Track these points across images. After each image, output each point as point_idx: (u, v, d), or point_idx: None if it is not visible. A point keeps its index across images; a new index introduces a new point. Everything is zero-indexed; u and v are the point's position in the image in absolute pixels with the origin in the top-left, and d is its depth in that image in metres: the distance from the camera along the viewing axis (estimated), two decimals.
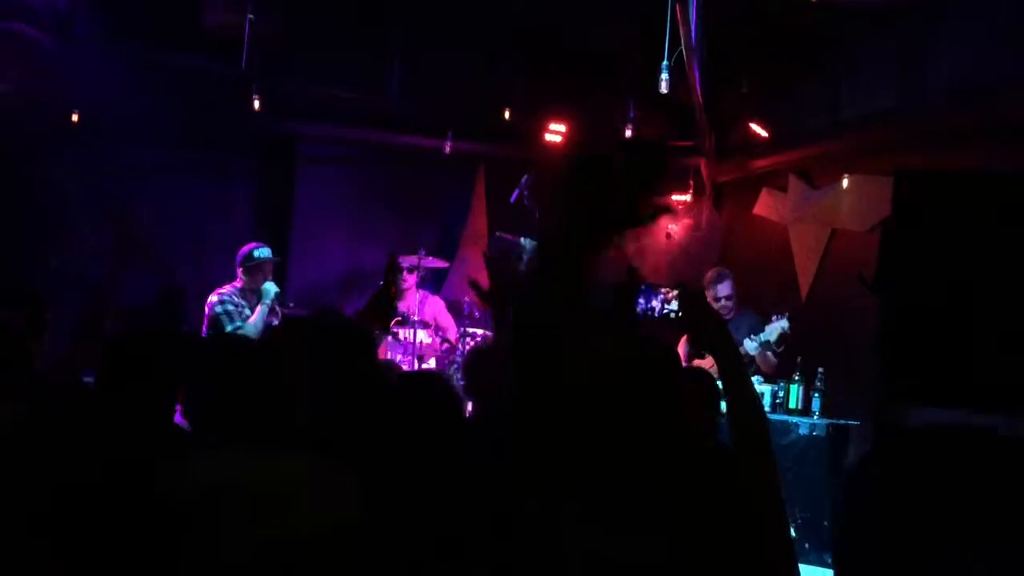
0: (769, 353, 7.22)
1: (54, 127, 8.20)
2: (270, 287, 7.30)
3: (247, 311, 7.20)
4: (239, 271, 7.32)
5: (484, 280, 3.37)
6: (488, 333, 8.15)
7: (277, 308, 7.29)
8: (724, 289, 7.52)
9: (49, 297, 7.58)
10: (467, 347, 8.15)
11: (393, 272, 3.53)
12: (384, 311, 3.74)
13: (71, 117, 8.21)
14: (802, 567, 2.97)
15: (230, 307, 7.18)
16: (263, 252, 7.37)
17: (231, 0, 7.56)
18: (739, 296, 7.62)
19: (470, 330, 8.24)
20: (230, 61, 7.83)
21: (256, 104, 8.22)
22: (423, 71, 8.84)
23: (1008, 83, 6.11)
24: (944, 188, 3.46)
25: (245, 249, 7.39)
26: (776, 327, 7.12)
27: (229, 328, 7.02)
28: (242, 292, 7.27)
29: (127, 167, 8.55)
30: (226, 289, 7.27)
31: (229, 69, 7.95)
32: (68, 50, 7.88)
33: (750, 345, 7.19)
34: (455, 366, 8.12)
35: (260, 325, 7.10)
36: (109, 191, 8.56)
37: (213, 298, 7.20)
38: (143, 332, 3.20)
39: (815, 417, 6.87)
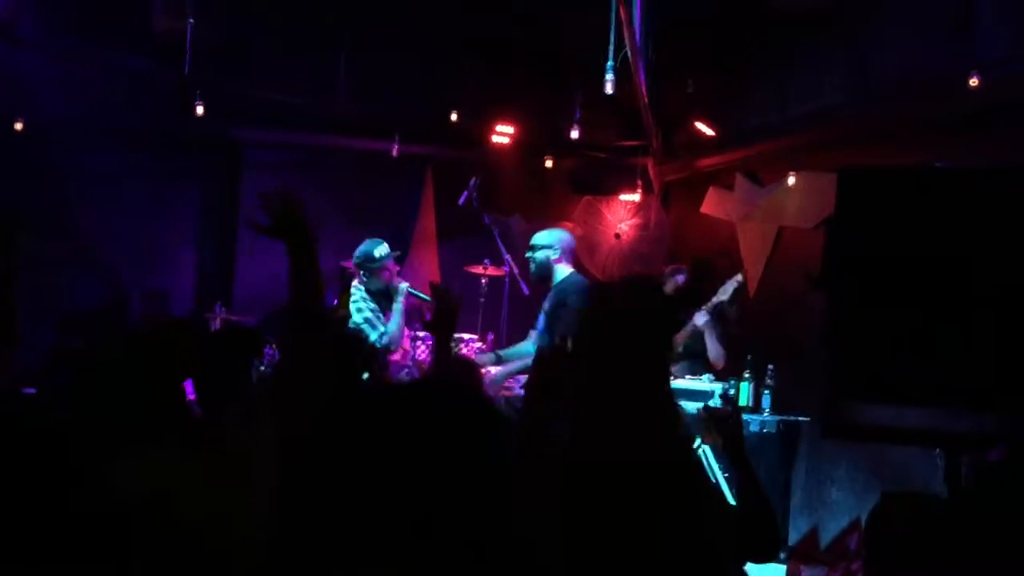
0: (718, 334, 7.14)
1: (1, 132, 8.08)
2: (403, 286, 6.81)
3: (380, 314, 6.76)
4: (359, 274, 6.83)
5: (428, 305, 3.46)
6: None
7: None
8: (679, 282, 7.55)
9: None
10: (418, 351, 8.11)
11: (347, 291, 3.53)
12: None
13: (13, 124, 8.09)
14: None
15: (368, 314, 6.71)
16: (383, 250, 6.85)
17: (173, 4, 7.46)
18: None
19: (420, 334, 8.20)
20: (175, 66, 7.74)
21: (199, 110, 8.13)
22: (369, 74, 8.79)
23: (950, 77, 6.18)
24: (887, 184, 3.50)
25: (363, 249, 6.89)
26: (729, 285, 7.05)
27: (374, 337, 6.57)
28: (368, 295, 6.77)
29: (71, 171, 8.43)
30: (359, 295, 6.76)
31: (174, 74, 7.86)
32: (11, 53, 7.76)
33: (700, 317, 7.07)
34: (406, 370, 8.08)
35: (399, 328, 6.71)
36: (52, 195, 8.43)
37: (353, 307, 6.66)
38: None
39: (766, 414, 6.91)
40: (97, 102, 8.05)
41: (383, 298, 6.78)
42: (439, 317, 3.39)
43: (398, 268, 6.94)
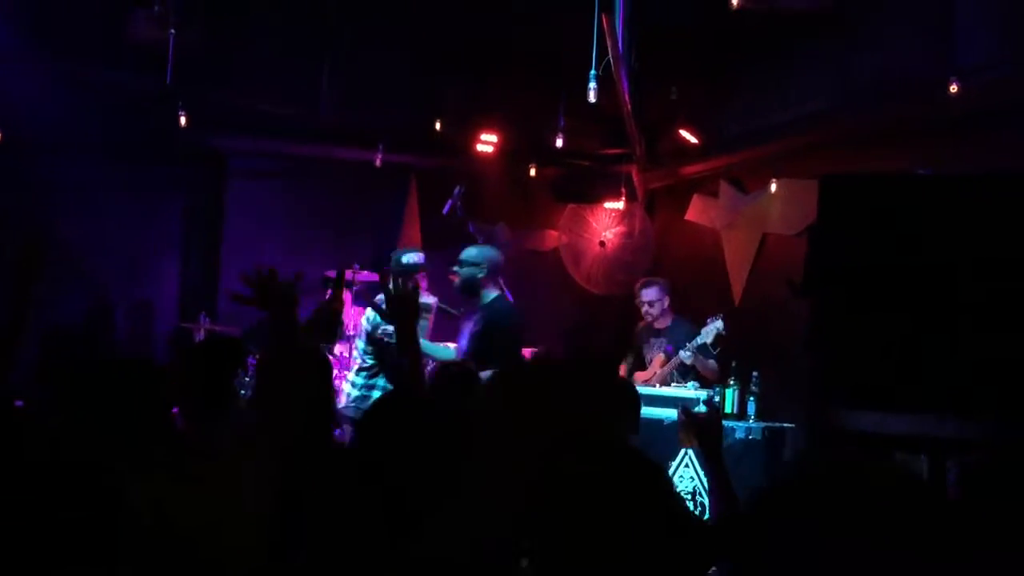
0: (708, 359, 7.29)
1: None
2: (431, 301, 6.76)
3: None
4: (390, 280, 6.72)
5: None
6: None
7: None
8: (648, 294, 7.62)
9: None
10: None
11: (340, 287, 3.53)
12: (329, 324, 3.75)
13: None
14: None
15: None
16: (412, 258, 6.80)
17: (154, 15, 7.43)
18: (674, 305, 7.69)
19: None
20: (156, 76, 7.71)
21: (182, 120, 8.11)
22: (353, 83, 8.78)
23: (931, 83, 6.21)
24: (868, 191, 3.51)
25: (397, 256, 6.85)
26: (711, 328, 7.22)
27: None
28: None
29: (54, 183, 8.40)
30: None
31: (155, 84, 7.83)
32: None
33: (684, 355, 7.26)
34: None
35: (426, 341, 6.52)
36: (36, 207, 8.39)
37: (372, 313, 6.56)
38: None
39: (751, 421, 6.92)
40: (78, 115, 8.01)
41: None
42: (395, 304, 3.42)
43: (426, 283, 6.87)
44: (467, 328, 6.21)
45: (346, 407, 6.65)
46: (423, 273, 6.85)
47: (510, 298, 6.36)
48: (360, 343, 6.82)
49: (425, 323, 6.67)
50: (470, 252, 6.24)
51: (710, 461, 3.24)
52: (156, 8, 7.41)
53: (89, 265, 8.64)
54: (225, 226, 9.45)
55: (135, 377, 2.60)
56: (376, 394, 6.62)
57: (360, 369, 6.77)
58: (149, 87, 8.01)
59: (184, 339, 8.20)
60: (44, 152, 8.26)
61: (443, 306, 6.82)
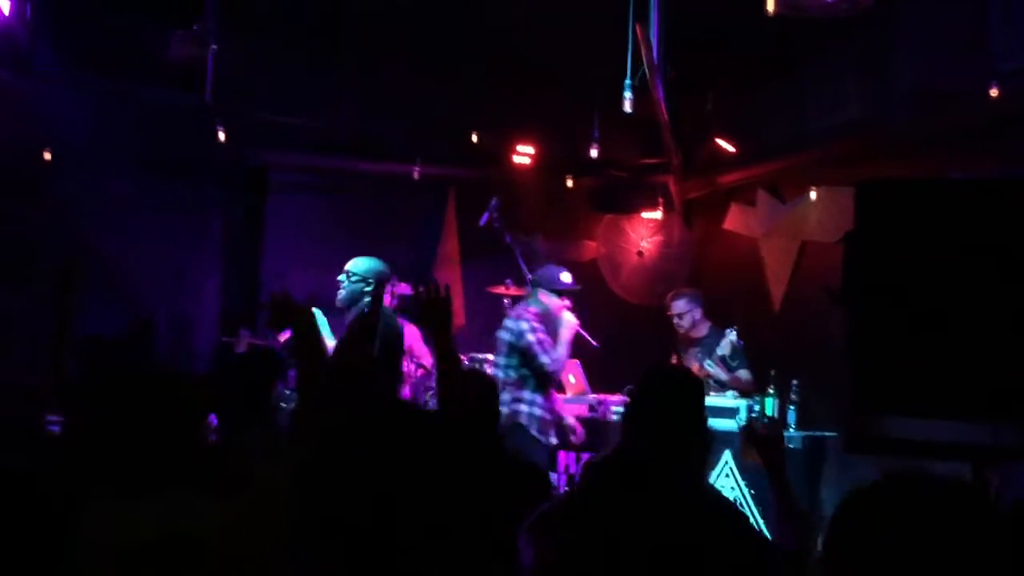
0: (738, 371, 7.27)
1: (22, 165, 8.17)
2: (569, 317, 6.78)
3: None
4: (539, 294, 6.79)
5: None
6: (463, 358, 8.13)
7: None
8: (676, 307, 7.62)
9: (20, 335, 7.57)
10: None
11: (379, 301, 3.57)
12: (368, 336, 3.79)
13: (42, 155, 8.18)
14: None
15: (541, 335, 6.64)
16: (569, 277, 6.86)
17: (193, 32, 7.52)
18: (712, 314, 7.67)
19: None
20: (195, 93, 7.80)
21: (221, 136, 8.19)
22: (390, 97, 8.84)
23: (967, 89, 6.16)
24: (904, 197, 3.49)
25: (551, 272, 6.89)
26: (724, 341, 7.22)
27: (544, 360, 6.53)
28: (541, 319, 6.69)
29: (97, 200, 8.51)
30: (531, 312, 6.71)
31: (194, 101, 7.92)
32: (30, 86, 7.85)
33: (711, 369, 7.24)
34: (431, 392, 8.08)
35: (565, 356, 6.67)
36: (78, 226, 8.51)
37: (526, 325, 6.60)
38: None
39: (791, 430, 6.88)
40: (120, 133, 8.13)
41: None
42: (429, 309, 3.40)
43: (570, 304, 6.88)
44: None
45: None
46: (567, 297, 6.85)
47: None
48: (501, 358, 6.73)
49: (565, 337, 6.69)
50: (357, 265, 6.16)
51: (775, 478, 3.20)
52: (195, 27, 7.50)
53: (131, 280, 8.75)
54: (265, 240, 9.53)
55: (165, 388, 2.61)
56: (523, 408, 6.61)
57: (504, 384, 6.53)
58: (189, 105, 8.10)
59: (226, 353, 8.27)
60: (86, 170, 8.37)
61: (583, 333, 6.84)
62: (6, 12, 7.34)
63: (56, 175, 8.34)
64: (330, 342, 6.19)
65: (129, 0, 7.38)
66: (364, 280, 6.09)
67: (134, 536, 2.23)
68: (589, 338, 6.92)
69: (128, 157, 8.51)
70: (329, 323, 6.45)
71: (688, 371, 4.56)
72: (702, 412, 3.14)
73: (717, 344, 7.37)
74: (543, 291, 6.83)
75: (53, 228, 8.44)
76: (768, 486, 3.24)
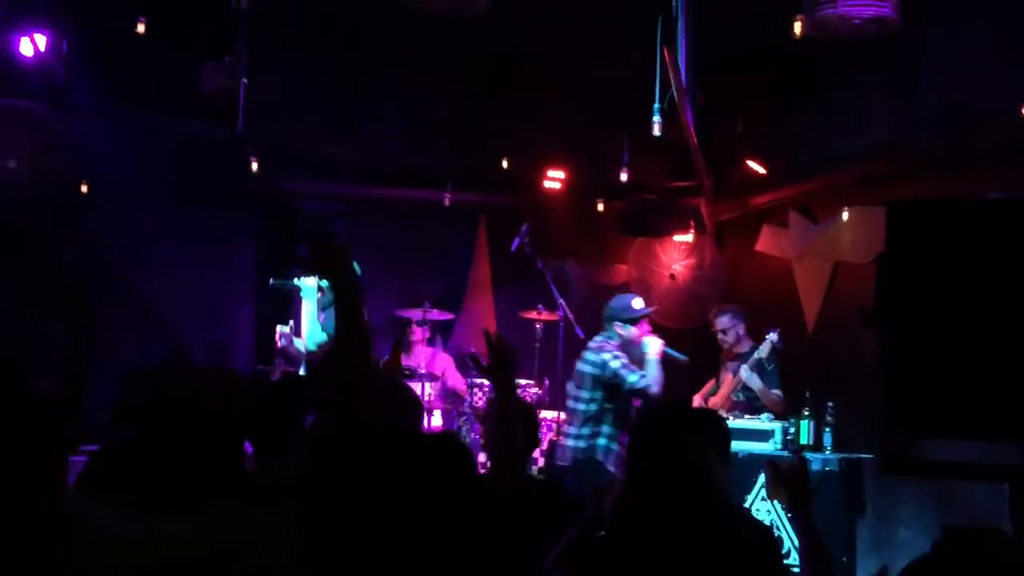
0: (771, 389, 7.22)
1: (58, 197, 8.28)
2: (657, 342, 6.67)
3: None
4: (614, 326, 6.70)
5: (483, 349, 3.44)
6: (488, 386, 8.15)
7: None
8: (721, 322, 7.61)
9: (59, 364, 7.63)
10: (475, 399, 8.13)
11: (399, 345, 3.55)
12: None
13: (79, 187, 8.29)
14: None
15: (625, 360, 6.56)
16: (641, 303, 6.85)
17: (225, 64, 7.61)
18: (750, 333, 7.65)
19: (477, 381, 8.23)
20: (227, 123, 7.88)
21: (254, 166, 8.28)
22: (419, 124, 8.90)
23: (1000, 106, 6.13)
24: (937, 216, 3.46)
25: (622, 301, 6.82)
26: (766, 342, 7.20)
27: (634, 379, 6.44)
28: (622, 349, 6.64)
29: (129, 232, 8.60)
30: (612, 345, 6.64)
31: (226, 132, 8.00)
32: (67, 120, 7.98)
33: (745, 373, 7.22)
34: (464, 417, 8.10)
35: (657, 373, 6.55)
36: (113, 257, 8.60)
37: (608, 354, 6.55)
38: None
39: (827, 452, 6.82)
40: (152, 164, 8.23)
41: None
42: (497, 363, 3.37)
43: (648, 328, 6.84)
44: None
45: (564, 460, 6.58)
46: (644, 322, 6.77)
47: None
48: (583, 392, 6.61)
49: (653, 358, 6.58)
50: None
51: (799, 518, 3.16)
52: (226, 59, 7.60)
53: (166, 310, 8.83)
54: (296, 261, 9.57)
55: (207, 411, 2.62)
56: (601, 442, 6.57)
57: (585, 418, 6.57)
58: (221, 135, 8.19)
59: (260, 381, 8.31)
60: (121, 201, 8.48)
61: (669, 350, 6.73)
62: (42, 47, 7.47)
63: (91, 206, 8.45)
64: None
65: (161, 33, 7.46)
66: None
67: (177, 553, 2.24)
68: (677, 355, 6.85)
69: (162, 188, 8.61)
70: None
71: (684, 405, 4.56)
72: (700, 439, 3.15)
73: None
74: (618, 323, 6.71)
75: (89, 259, 8.54)
76: (794, 526, 3.23)
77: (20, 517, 2.15)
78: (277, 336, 6.44)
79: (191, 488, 2.40)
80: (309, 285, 6.29)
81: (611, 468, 6.57)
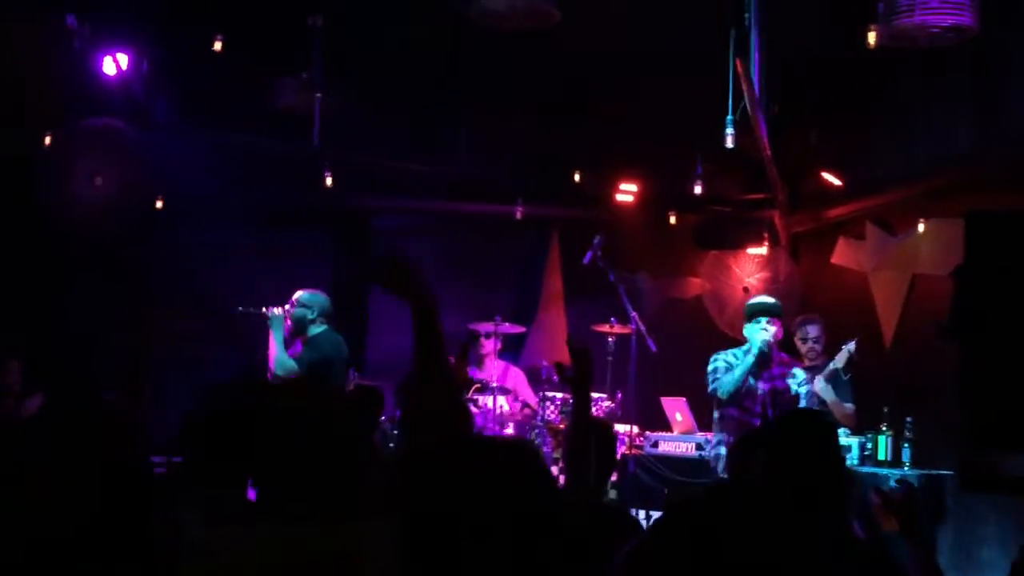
0: (845, 402, 7.11)
1: (139, 213, 8.45)
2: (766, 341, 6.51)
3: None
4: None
5: (565, 356, 3.43)
6: (568, 397, 8.13)
7: None
8: (813, 331, 7.51)
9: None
10: (547, 412, 8.12)
11: (465, 355, 3.53)
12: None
13: (155, 203, 8.46)
14: None
15: (729, 359, 6.58)
16: (768, 300, 6.74)
17: (301, 80, 7.73)
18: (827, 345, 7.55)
19: (550, 394, 8.22)
20: (302, 139, 7.99)
21: (329, 181, 8.38)
22: (491, 138, 8.93)
23: None
24: (1016, 228, 3.39)
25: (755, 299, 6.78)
26: (843, 352, 7.10)
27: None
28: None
29: (205, 248, 8.74)
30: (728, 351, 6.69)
31: (302, 147, 8.12)
32: (148, 138, 8.15)
33: (820, 384, 7.06)
34: (536, 431, 8.10)
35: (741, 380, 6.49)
36: (192, 273, 8.76)
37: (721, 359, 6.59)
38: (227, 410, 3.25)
39: (906, 468, 6.70)
40: (229, 180, 8.36)
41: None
42: (579, 374, 3.36)
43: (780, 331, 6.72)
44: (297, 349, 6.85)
45: None
46: (775, 319, 6.62)
47: (336, 333, 6.95)
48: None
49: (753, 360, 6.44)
50: (303, 296, 6.82)
51: (913, 543, 3.14)
52: (303, 75, 7.71)
53: (241, 327, 8.94)
54: (370, 283, 9.68)
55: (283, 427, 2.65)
56: (723, 450, 6.54)
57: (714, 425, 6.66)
58: (296, 151, 8.31)
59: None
60: (199, 218, 8.62)
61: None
62: (124, 66, 7.65)
63: (171, 223, 8.61)
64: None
65: (238, 51, 7.59)
66: (308, 308, 6.78)
67: (285, 559, 2.27)
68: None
69: (238, 204, 8.74)
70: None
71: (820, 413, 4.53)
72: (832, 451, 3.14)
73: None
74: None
75: (168, 275, 8.71)
76: (907, 548, 3.18)
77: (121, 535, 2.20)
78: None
79: (300, 500, 2.43)
80: (277, 315, 6.79)
81: (720, 473, 6.54)
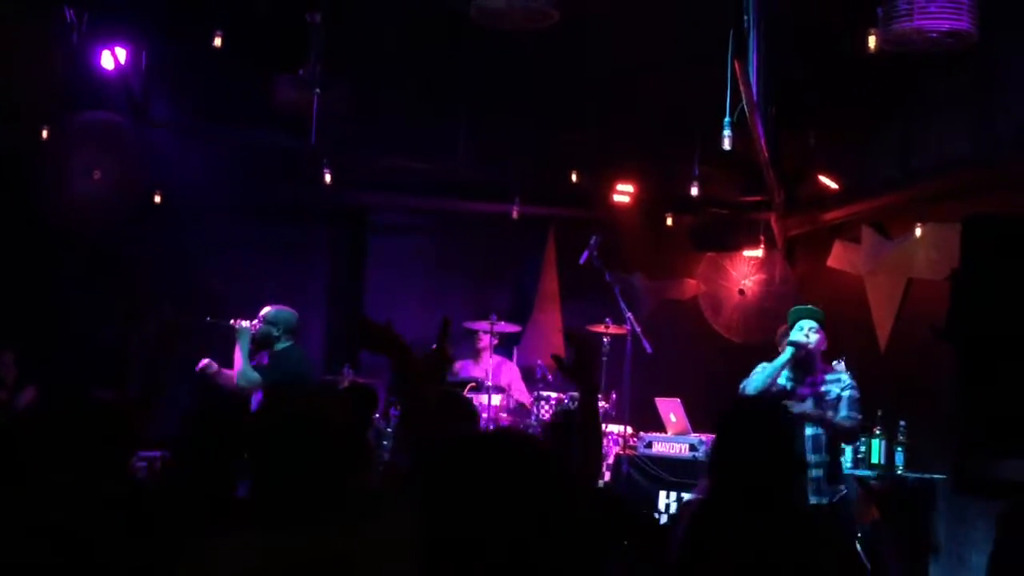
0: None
1: (136, 208, 8.45)
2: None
3: None
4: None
5: (560, 353, 3.44)
6: (563, 396, 8.14)
7: None
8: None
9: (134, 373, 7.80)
10: (541, 411, 8.13)
11: (445, 336, 3.49)
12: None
13: (153, 197, 8.45)
14: None
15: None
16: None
17: (299, 77, 7.73)
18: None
19: (544, 394, 8.22)
20: (300, 136, 7.99)
21: (327, 177, 8.38)
22: (489, 138, 8.93)
23: None
24: (1013, 233, 3.40)
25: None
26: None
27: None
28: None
29: (202, 243, 8.74)
30: None
31: (300, 144, 8.11)
32: (146, 132, 8.14)
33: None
34: (530, 430, 8.10)
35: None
36: (189, 268, 8.74)
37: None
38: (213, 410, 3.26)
39: (899, 472, 6.71)
40: (228, 176, 8.36)
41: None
42: (580, 364, 3.30)
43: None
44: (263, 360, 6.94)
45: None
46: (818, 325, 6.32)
47: (300, 347, 7.05)
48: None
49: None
50: (269, 313, 6.93)
51: (892, 532, 3.17)
52: (301, 72, 7.71)
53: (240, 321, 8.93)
54: (366, 280, 9.68)
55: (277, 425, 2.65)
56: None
57: None
58: (295, 148, 8.30)
59: (328, 391, 8.39)
60: (197, 213, 8.62)
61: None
62: (123, 61, 7.65)
63: (168, 218, 8.60)
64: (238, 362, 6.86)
65: (237, 47, 7.59)
66: (273, 324, 6.86)
67: (274, 565, 2.27)
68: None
69: (237, 200, 8.74)
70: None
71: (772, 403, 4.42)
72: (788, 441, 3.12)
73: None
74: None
75: (165, 270, 8.70)
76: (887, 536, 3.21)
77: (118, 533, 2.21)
78: (204, 363, 6.88)
79: (299, 503, 2.42)
80: (244, 327, 6.87)
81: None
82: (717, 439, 3.22)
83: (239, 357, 6.82)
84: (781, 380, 6.11)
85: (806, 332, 6.21)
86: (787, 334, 7.09)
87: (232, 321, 6.93)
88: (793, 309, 6.46)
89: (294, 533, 2.29)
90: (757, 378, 6.24)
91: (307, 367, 7.04)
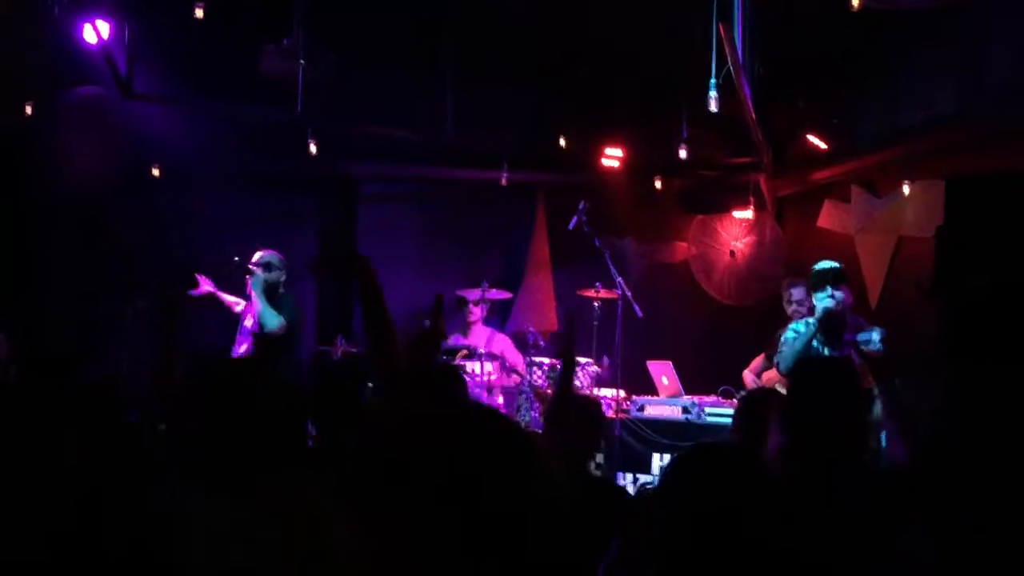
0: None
1: (124, 181, 8.43)
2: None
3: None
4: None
5: (552, 322, 3.51)
6: (555, 362, 8.16)
7: None
8: (797, 294, 7.34)
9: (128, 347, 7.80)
10: (534, 377, 8.15)
11: (440, 312, 3.51)
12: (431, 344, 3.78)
13: (144, 171, 8.43)
14: None
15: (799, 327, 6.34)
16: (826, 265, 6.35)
17: (284, 47, 7.68)
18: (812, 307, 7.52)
19: (536, 359, 8.25)
20: (287, 107, 7.96)
21: (312, 148, 8.35)
22: (477, 104, 8.89)
23: None
24: (996, 191, 3.42)
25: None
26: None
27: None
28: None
29: (191, 216, 8.71)
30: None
31: (286, 115, 8.08)
32: (131, 106, 8.11)
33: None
34: (524, 395, 8.13)
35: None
36: (178, 240, 8.73)
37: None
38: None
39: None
40: (214, 148, 8.33)
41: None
42: (568, 343, 3.41)
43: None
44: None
45: None
46: (841, 283, 6.26)
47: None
48: None
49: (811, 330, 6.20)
50: (273, 257, 7.20)
51: (884, 392, 3.34)
52: (285, 41, 7.66)
53: (230, 292, 8.93)
54: (358, 249, 9.67)
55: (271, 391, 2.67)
56: None
57: None
58: (281, 119, 8.27)
59: (323, 360, 8.41)
60: (183, 184, 8.60)
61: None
62: (105, 35, 7.60)
63: (155, 191, 8.58)
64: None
65: (221, 18, 7.54)
66: (281, 270, 7.21)
67: (249, 528, 2.29)
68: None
69: (224, 171, 8.71)
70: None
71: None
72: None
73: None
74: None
75: (156, 242, 8.68)
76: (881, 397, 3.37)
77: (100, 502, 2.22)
78: (204, 289, 7.41)
79: (248, 465, 2.45)
80: (259, 276, 7.11)
81: None
82: (793, 393, 3.32)
83: (259, 302, 7.05)
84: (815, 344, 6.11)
85: (831, 294, 6.18)
86: (801, 297, 7.06)
87: (251, 264, 7.18)
88: (814, 272, 6.32)
89: (237, 496, 2.32)
90: (788, 352, 6.21)
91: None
